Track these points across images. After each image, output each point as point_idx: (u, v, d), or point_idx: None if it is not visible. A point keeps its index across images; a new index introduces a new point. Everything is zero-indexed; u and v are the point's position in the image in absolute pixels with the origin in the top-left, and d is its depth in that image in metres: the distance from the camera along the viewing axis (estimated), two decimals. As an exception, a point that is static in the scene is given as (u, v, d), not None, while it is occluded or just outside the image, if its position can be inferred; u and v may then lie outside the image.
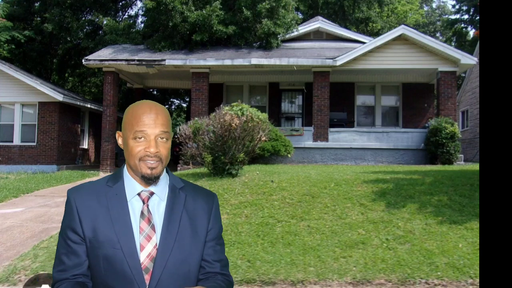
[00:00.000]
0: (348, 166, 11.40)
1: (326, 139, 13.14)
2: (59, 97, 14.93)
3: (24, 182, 10.86)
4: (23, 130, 15.49)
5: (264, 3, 14.08)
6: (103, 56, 14.19)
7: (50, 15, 20.85)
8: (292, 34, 15.54)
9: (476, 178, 7.67)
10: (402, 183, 7.70)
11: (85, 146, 18.00)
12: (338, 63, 12.92)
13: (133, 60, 13.61)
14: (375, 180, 7.92)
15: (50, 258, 5.29)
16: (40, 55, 24.15)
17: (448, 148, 11.63)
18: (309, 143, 13.14)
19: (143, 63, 13.58)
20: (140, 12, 32.63)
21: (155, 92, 24.76)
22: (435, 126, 11.89)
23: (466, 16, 29.47)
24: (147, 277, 1.22)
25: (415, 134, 13.07)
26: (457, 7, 29.99)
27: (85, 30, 22.45)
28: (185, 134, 8.91)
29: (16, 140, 15.38)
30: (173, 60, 13.58)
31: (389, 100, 15.78)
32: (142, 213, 1.26)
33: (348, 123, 14.55)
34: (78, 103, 16.55)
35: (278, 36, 14.85)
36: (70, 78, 27.72)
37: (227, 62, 13.40)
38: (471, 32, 29.99)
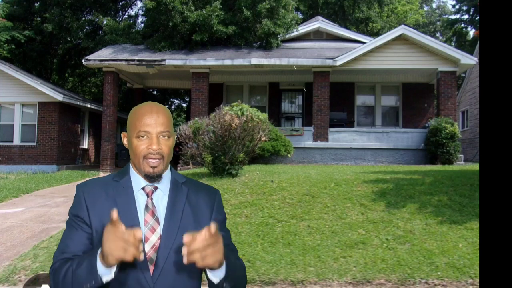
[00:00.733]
0: (348, 166, 11.40)
1: (326, 139, 13.14)
2: (59, 97, 14.93)
3: (24, 182, 10.86)
4: (23, 130, 15.49)
5: (264, 3, 14.08)
6: (103, 56, 14.19)
7: (50, 15, 20.85)
8: (292, 34, 15.55)
9: (476, 178, 7.67)
10: (402, 183, 7.70)
11: (85, 146, 18.00)
12: (338, 63, 12.92)
13: (133, 60, 13.61)
14: (375, 180, 7.92)
15: (50, 258, 5.29)
16: (40, 55, 24.15)
17: (448, 148, 11.63)
18: (309, 143, 13.14)
19: (143, 63, 13.58)
20: (140, 12, 32.63)
21: (155, 92, 24.76)
22: (435, 126, 11.89)
23: (466, 16, 29.48)
24: (151, 267, 1.26)
25: (415, 134, 13.07)
26: (457, 7, 30.00)
27: (85, 30, 22.46)
28: (185, 134, 8.91)
29: (16, 140, 15.38)
30: (173, 60, 13.58)
31: (389, 100, 15.79)
32: (146, 206, 1.32)
33: (348, 123, 14.55)
34: (78, 103, 16.55)
35: (278, 36, 14.85)
36: (70, 78, 27.73)
37: (227, 62, 13.40)
38: (471, 32, 30.01)
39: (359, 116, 15.72)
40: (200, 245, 1.10)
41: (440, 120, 12.06)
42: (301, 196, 7.16)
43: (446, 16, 37.93)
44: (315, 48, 14.98)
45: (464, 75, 20.29)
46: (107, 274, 1.13)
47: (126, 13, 25.04)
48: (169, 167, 1.40)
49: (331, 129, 13.26)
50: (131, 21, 21.05)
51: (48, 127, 15.30)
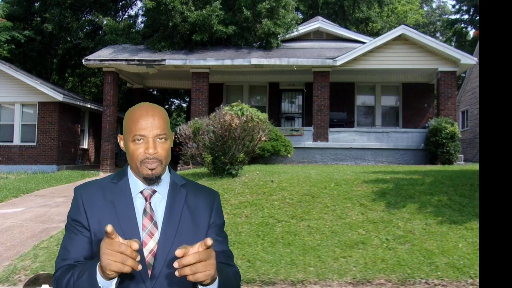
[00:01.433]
0: (348, 166, 11.40)
1: (326, 139, 13.14)
2: (59, 97, 14.93)
3: (24, 182, 10.86)
4: (23, 130, 15.49)
5: (264, 3, 14.08)
6: (103, 56, 14.19)
7: (50, 15, 20.85)
8: (292, 34, 15.55)
9: (476, 178, 7.67)
10: (402, 183, 7.70)
11: (85, 146, 18.00)
12: (338, 63, 12.92)
13: (133, 60, 13.61)
14: (375, 180, 7.92)
15: (50, 258, 5.29)
16: (40, 55, 24.15)
17: (448, 148, 11.64)
18: (309, 143, 13.14)
19: (143, 63, 13.59)
20: (140, 12, 32.64)
21: (155, 92, 24.77)
22: (435, 126, 11.89)
23: (466, 16, 29.48)
24: (149, 272, 1.25)
25: (415, 134, 13.08)
26: (457, 7, 30.00)
27: (85, 30, 22.46)
28: (185, 134, 8.91)
29: (16, 140, 15.38)
30: (173, 60, 13.58)
31: (389, 100, 15.79)
32: (144, 210, 1.30)
33: (348, 123, 14.55)
34: (78, 103, 16.55)
35: (278, 36, 14.86)
36: (70, 78, 27.73)
37: (227, 62, 13.40)
38: (471, 32, 30.01)
39: (359, 116, 15.73)
40: (191, 260, 1.08)
41: (440, 120, 12.06)
42: (301, 196, 7.16)
43: (446, 16, 37.94)
44: (315, 48, 14.98)
45: (464, 75, 20.29)
46: (108, 286, 1.12)
47: (126, 13, 25.06)
48: (167, 169, 1.38)
49: (331, 129, 13.26)
50: (131, 21, 21.06)
51: (48, 127, 15.30)
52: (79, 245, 1.26)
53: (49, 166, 14.95)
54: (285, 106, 16.20)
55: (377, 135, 13.29)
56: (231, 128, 8.04)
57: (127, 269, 1.06)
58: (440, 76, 13.12)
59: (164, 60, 13.51)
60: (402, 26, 13.14)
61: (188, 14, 13.98)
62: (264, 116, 9.22)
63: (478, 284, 4.53)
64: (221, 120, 8.16)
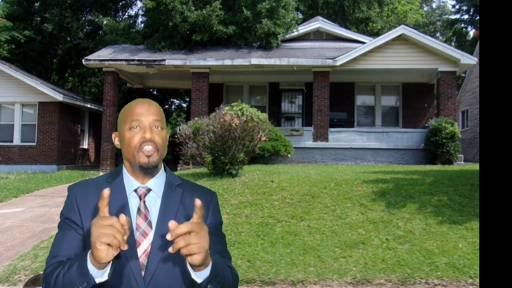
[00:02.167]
0: (348, 166, 11.40)
1: (326, 139, 13.14)
2: (59, 97, 14.94)
3: (24, 182, 10.86)
4: (23, 130, 15.49)
5: (264, 3, 14.08)
6: (103, 56, 14.19)
7: (50, 15, 20.86)
8: (292, 34, 15.55)
9: (476, 178, 7.67)
10: (402, 183, 7.70)
11: (85, 146, 18.00)
12: (338, 63, 12.92)
13: (133, 60, 13.61)
14: (375, 180, 7.92)
15: (50, 258, 5.28)
16: (40, 55, 24.15)
17: (448, 148, 11.63)
18: (309, 143, 13.14)
19: (143, 63, 13.58)
20: (140, 12, 32.66)
21: (155, 92, 24.77)
22: (435, 126, 11.89)
23: (466, 16, 29.48)
24: (142, 273, 1.22)
25: (415, 134, 13.08)
26: (457, 7, 30.01)
27: (85, 30, 22.47)
28: (185, 134, 8.91)
29: (16, 140, 15.38)
30: (173, 60, 13.58)
31: (389, 100, 15.79)
32: (138, 209, 1.26)
33: (348, 123, 14.55)
34: (78, 103, 16.55)
35: (278, 36, 14.86)
36: (70, 78, 27.73)
37: (227, 62, 13.40)
38: (471, 32, 30.01)
39: (359, 116, 15.73)
40: (184, 228, 1.05)
41: (440, 120, 12.06)
42: (301, 196, 7.16)
43: (446, 16, 37.94)
44: (315, 48, 14.99)
45: (464, 75, 20.29)
46: (99, 276, 1.08)
47: (126, 13, 25.08)
48: (163, 168, 1.36)
49: (331, 129, 13.26)
50: (131, 21, 21.07)
51: (48, 127, 15.30)
52: (71, 243, 1.23)
53: (49, 166, 14.95)
54: (285, 106, 16.20)
55: (377, 135, 13.29)
56: (231, 128, 8.04)
57: (116, 243, 1.02)
58: (440, 76, 13.12)
59: (164, 60, 13.51)
60: (402, 26, 13.14)
61: (188, 14, 13.98)
62: (264, 116, 9.22)
63: (478, 284, 4.53)
64: (221, 120, 8.16)
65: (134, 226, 1.24)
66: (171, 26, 14.33)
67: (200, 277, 1.12)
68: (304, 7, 25.98)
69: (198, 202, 1.10)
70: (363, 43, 13.97)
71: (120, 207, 1.26)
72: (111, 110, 13.83)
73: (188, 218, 1.27)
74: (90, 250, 1.06)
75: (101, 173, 13.11)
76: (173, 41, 14.73)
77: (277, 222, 6.30)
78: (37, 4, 23.22)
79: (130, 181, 1.30)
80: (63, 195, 9.12)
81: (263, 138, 8.98)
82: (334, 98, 13.96)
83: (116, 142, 1.36)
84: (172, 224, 1.06)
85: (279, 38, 14.99)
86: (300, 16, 25.96)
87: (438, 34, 38.98)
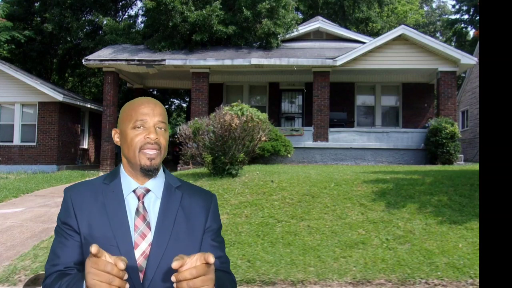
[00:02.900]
0: (348, 166, 11.40)
1: (326, 139, 13.14)
2: (59, 97, 14.93)
3: (24, 182, 10.86)
4: (23, 130, 15.49)
5: (264, 3, 14.08)
6: (103, 56, 14.19)
7: (50, 15, 20.86)
8: (292, 34, 15.55)
9: (476, 178, 7.67)
10: (402, 183, 7.70)
11: (85, 146, 18.00)
12: (338, 63, 12.92)
13: (133, 60, 13.61)
14: (375, 180, 7.92)
15: (50, 258, 5.28)
16: (40, 55, 24.16)
17: (448, 148, 11.63)
18: (309, 143, 13.14)
19: (143, 63, 13.59)
20: (140, 12, 32.66)
21: (155, 92, 24.76)
22: (435, 126, 11.89)
23: (466, 16, 29.48)
24: (140, 276, 1.19)
25: (415, 134, 13.08)
26: (457, 7, 30.01)
27: (85, 30, 22.47)
28: (185, 134, 8.91)
29: (16, 140, 15.38)
30: (173, 60, 13.58)
31: (389, 100, 15.79)
32: (137, 210, 1.24)
33: (348, 123, 14.55)
34: (78, 103, 16.55)
35: (278, 36, 14.86)
36: (70, 78, 27.73)
37: (227, 62, 13.40)
38: (471, 32, 30.01)
39: (359, 116, 15.73)
40: (188, 275, 1.00)
41: (440, 120, 12.06)
42: (301, 196, 7.16)
43: (446, 16, 37.94)
44: (315, 48, 14.99)
45: (464, 75, 20.29)
46: None
47: (126, 13, 25.08)
48: (162, 169, 1.33)
49: (331, 129, 13.26)
50: (131, 21, 21.07)
51: (48, 127, 15.30)
52: (69, 250, 1.21)
53: (49, 166, 14.95)
54: (285, 106, 16.20)
55: (377, 135, 13.29)
56: (231, 128, 8.04)
57: None
58: (440, 76, 13.12)
59: (164, 60, 13.51)
60: (402, 26, 13.14)
61: (188, 14, 13.98)
62: (264, 116, 9.22)
63: (478, 284, 4.53)
64: (221, 120, 8.16)
65: (132, 227, 1.22)
66: (171, 26, 14.33)
67: None
68: (304, 7, 25.98)
69: (210, 258, 1.02)
70: (363, 43, 13.97)
71: (117, 209, 1.24)
72: (111, 110, 13.82)
73: (187, 220, 1.28)
74: (85, 281, 1.03)
75: (101, 173, 13.11)
76: (173, 41, 14.73)
77: (277, 222, 6.30)
78: (37, 4, 23.22)
79: (129, 182, 1.28)
80: (63, 195, 9.12)
81: (263, 138, 8.98)
82: (334, 98, 13.97)
83: (116, 139, 1.34)
84: (176, 264, 1.00)
85: (279, 38, 14.99)
86: (300, 16, 25.96)
87: (438, 34, 38.98)
